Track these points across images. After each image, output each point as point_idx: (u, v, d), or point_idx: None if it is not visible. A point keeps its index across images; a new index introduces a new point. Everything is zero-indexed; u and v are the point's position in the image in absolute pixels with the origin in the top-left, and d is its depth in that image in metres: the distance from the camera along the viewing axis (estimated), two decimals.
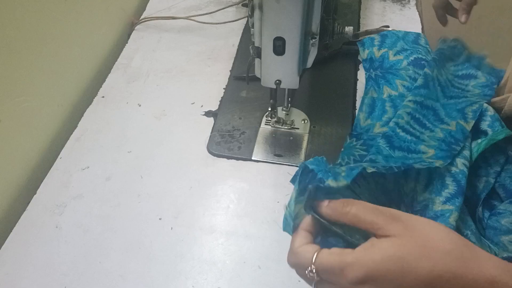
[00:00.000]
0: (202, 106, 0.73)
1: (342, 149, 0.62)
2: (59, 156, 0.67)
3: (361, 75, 0.77)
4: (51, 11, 0.68)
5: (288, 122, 0.69)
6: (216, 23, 0.87)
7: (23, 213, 0.61)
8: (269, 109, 0.67)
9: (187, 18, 0.88)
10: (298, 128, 0.69)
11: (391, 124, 0.57)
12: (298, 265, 0.40)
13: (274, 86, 0.59)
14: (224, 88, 0.76)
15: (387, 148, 0.55)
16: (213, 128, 0.70)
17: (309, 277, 0.39)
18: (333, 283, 0.37)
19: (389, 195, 0.51)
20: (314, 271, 0.38)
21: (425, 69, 0.62)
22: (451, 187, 0.51)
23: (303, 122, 0.70)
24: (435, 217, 0.49)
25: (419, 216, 0.38)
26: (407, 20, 0.88)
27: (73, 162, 0.66)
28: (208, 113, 0.72)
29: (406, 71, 0.64)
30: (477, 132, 0.57)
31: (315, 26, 0.53)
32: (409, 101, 0.59)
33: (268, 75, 0.58)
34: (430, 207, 0.51)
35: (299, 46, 0.53)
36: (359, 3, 0.92)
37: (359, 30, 0.84)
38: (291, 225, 0.41)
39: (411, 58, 0.65)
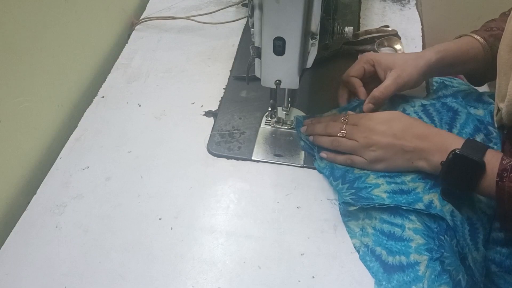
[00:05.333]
0: (202, 106, 0.73)
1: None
2: (59, 156, 0.67)
3: None
4: (51, 11, 0.68)
5: (288, 122, 0.69)
6: (216, 23, 0.87)
7: (23, 213, 0.60)
8: (269, 109, 0.68)
9: (187, 18, 0.88)
10: None
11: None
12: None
13: (274, 86, 0.59)
14: (224, 88, 0.76)
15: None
16: (213, 128, 0.70)
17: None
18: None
19: None
20: None
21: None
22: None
23: None
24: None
25: None
26: (407, 20, 0.88)
27: (73, 162, 0.66)
28: (208, 113, 0.72)
29: None
30: None
31: (315, 26, 0.53)
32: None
33: (268, 75, 0.58)
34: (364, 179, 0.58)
35: (299, 46, 0.53)
36: (359, 3, 0.92)
37: (359, 30, 0.84)
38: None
39: None
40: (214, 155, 0.66)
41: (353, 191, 0.58)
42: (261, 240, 0.57)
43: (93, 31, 0.81)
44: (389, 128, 0.58)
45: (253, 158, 0.65)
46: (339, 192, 0.58)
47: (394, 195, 0.56)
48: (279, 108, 0.68)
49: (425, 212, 0.54)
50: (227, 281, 0.53)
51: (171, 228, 0.58)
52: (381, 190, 0.57)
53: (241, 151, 0.66)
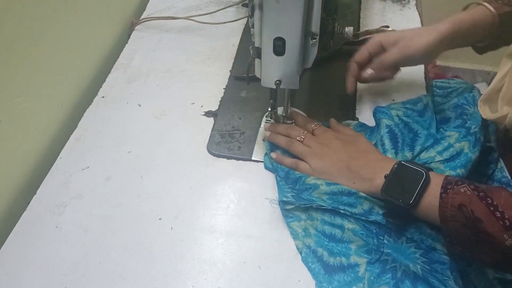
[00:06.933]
0: (202, 106, 0.73)
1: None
2: (59, 156, 0.67)
3: None
4: (51, 11, 0.68)
5: (288, 122, 0.69)
6: (216, 23, 0.87)
7: (23, 213, 0.61)
8: (269, 109, 0.68)
9: (187, 18, 0.88)
10: None
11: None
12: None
13: (274, 86, 0.59)
14: (224, 88, 0.76)
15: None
16: (213, 128, 0.70)
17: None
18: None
19: None
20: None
21: (423, 98, 0.68)
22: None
23: None
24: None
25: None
26: (407, 20, 0.88)
27: (73, 162, 0.66)
28: (208, 113, 0.72)
29: None
30: None
31: (315, 26, 0.53)
32: (397, 116, 0.64)
33: (268, 75, 0.58)
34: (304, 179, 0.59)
35: (299, 46, 0.53)
36: (359, 3, 0.92)
37: (359, 30, 0.84)
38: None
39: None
40: (214, 155, 0.66)
41: (295, 192, 0.59)
42: (261, 240, 0.57)
43: (93, 31, 0.81)
44: (344, 146, 0.60)
45: (253, 158, 0.65)
46: (280, 189, 0.59)
47: (334, 196, 0.57)
48: (279, 108, 0.68)
49: (363, 218, 0.55)
50: (227, 281, 0.53)
51: (171, 228, 0.58)
52: (320, 191, 0.57)
53: (241, 151, 0.66)
